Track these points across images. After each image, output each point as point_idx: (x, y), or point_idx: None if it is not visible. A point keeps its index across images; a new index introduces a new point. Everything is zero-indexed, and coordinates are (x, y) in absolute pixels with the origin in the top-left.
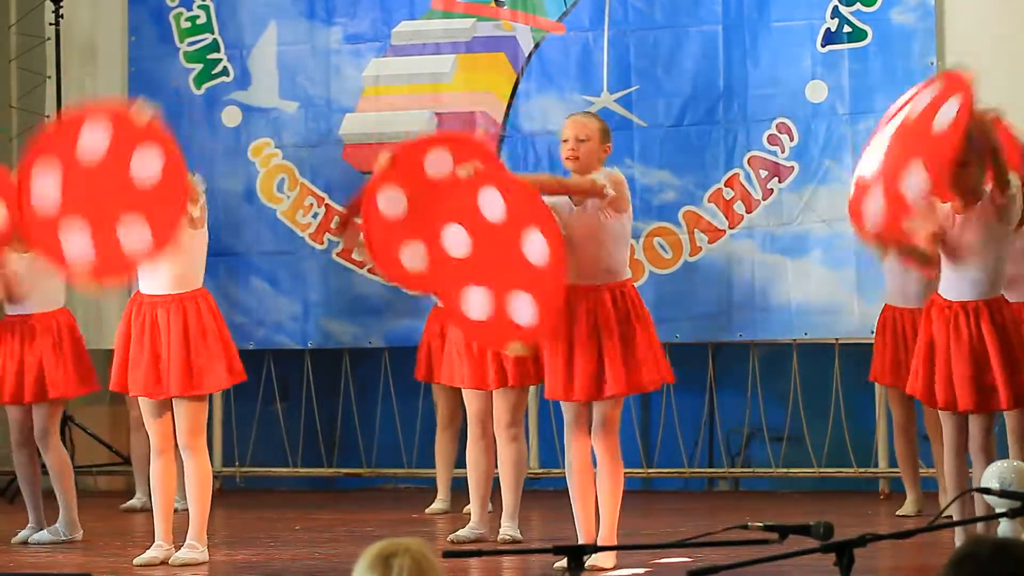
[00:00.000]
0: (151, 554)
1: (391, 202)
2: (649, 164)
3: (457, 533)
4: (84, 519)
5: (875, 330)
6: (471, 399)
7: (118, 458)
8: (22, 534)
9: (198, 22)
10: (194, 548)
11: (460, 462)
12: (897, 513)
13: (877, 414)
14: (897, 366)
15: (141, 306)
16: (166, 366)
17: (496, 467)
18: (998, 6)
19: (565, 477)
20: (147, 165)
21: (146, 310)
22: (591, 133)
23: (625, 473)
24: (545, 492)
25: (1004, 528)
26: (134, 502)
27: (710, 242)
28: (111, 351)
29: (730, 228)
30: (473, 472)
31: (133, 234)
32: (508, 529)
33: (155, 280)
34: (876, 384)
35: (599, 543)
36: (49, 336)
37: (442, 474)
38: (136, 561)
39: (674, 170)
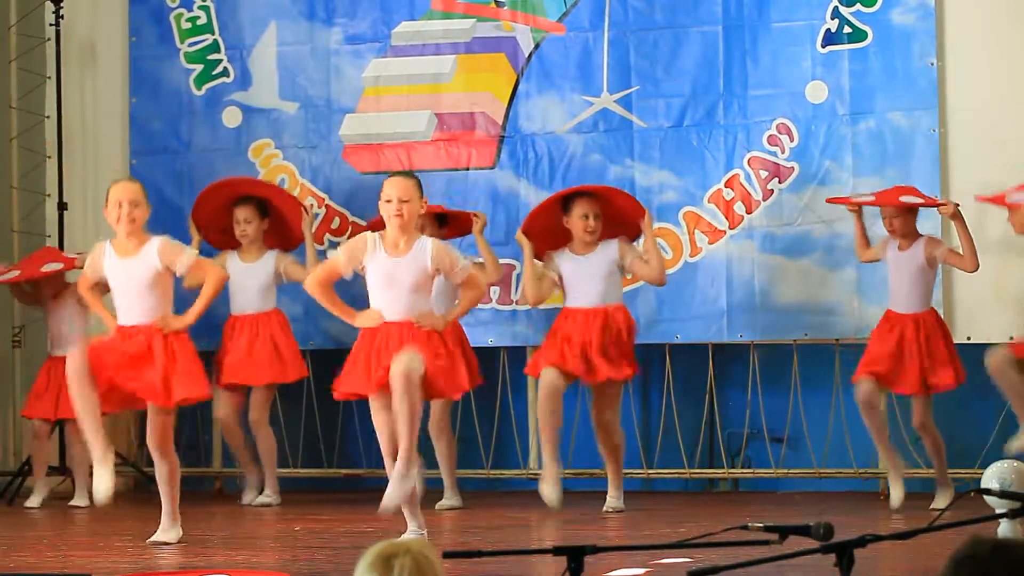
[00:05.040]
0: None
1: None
2: (649, 164)
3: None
4: (83, 519)
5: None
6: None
7: (117, 458)
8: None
9: (198, 23)
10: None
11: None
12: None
13: None
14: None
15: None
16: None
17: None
18: (998, 7)
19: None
20: None
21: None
22: None
23: (625, 474)
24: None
25: (1004, 528)
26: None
27: (710, 242)
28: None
29: (730, 228)
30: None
31: None
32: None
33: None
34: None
35: None
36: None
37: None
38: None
39: (674, 170)
